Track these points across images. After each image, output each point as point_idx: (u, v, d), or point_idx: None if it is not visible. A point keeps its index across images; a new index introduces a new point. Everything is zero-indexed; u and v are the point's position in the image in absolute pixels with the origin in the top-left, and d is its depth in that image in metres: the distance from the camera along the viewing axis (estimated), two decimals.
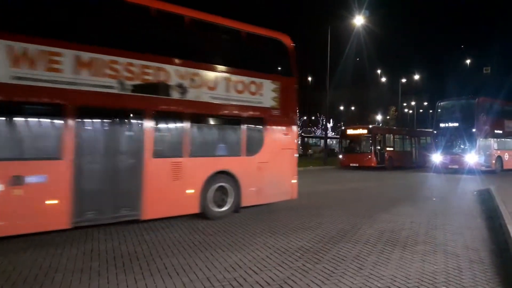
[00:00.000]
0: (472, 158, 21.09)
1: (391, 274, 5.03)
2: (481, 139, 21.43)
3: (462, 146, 22.20)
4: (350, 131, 27.20)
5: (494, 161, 22.32)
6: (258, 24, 9.70)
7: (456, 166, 21.71)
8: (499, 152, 22.88)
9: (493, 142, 22.60)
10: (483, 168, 21.21)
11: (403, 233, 7.23)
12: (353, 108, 66.61)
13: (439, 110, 24.12)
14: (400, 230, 7.43)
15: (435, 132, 24.05)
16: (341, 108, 61.96)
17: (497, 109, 23.42)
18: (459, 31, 75.17)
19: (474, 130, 21.25)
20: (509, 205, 9.00)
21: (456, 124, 22.32)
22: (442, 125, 23.26)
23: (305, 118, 61.35)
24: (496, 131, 22.73)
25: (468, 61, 53.11)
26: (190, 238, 6.86)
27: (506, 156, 23.17)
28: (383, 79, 60.28)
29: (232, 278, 4.85)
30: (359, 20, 28.06)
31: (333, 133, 54.00)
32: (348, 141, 27.11)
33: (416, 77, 57.82)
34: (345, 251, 6.03)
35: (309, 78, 66.00)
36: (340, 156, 26.96)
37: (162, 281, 4.74)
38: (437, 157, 22.57)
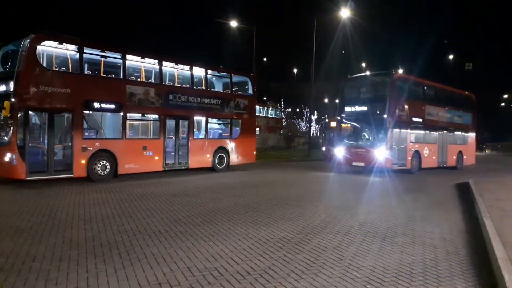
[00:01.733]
0: (380, 153, 15.90)
1: (370, 264, 5.11)
2: (394, 129, 16.41)
3: (369, 137, 17.12)
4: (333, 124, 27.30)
5: (410, 158, 17.32)
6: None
7: (361, 164, 16.66)
8: (416, 146, 17.97)
9: (409, 133, 17.46)
10: (396, 167, 16.58)
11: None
12: (337, 100, 66.89)
13: (345, 89, 18.96)
14: None
15: (338, 118, 18.38)
16: (326, 100, 62.29)
17: (417, 90, 19.13)
18: (443, 27, 75.87)
19: (385, 116, 16.02)
20: None
21: (364, 108, 17.17)
22: (348, 109, 17.97)
23: (289, 110, 61.44)
24: (414, 119, 17.89)
25: (450, 57, 53.80)
26: (172, 228, 6.84)
27: (425, 152, 18.46)
28: (368, 73, 60.52)
29: (213, 268, 4.86)
30: (345, 13, 28.11)
31: (317, 126, 54.24)
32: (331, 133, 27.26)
33: (400, 71, 58.44)
34: (325, 242, 6.09)
35: (295, 70, 65.91)
36: (323, 149, 27.11)
37: (142, 270, 4.71)
38: (339, 151, 17.48)
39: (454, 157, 20.88)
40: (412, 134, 17.70)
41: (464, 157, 21.77)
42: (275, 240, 6.14)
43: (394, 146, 16.38)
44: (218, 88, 18.35)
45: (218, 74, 18.36)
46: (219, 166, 16.39)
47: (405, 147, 17.04)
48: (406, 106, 17.27)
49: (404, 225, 7.46)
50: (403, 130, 17.13)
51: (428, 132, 18.87)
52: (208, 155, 16.19)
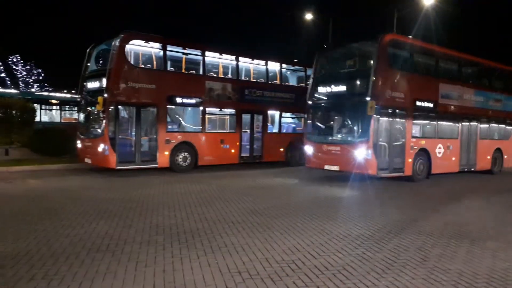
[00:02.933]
0: (360, 153, 10.89)
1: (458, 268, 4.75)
2: (383, 118, 11.35)
3: (346, 129, 12.02)
4: None
5: (410, 160, 12.02)
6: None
7: (334, 167, 11.66)
8: (423, 142, 12.55)
9: (410, 124, 12.05)
10: (385, 174, 11.48)
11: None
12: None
13: (318, 63, 13.23)
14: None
15: (309, 103, 12.94)
16: None
17: (425, 61, 13.90)
18: None
19: (367, 98, 10.84)
20: None
21: (342, 88, 12.14)
22: (321, 89, 12.70)
23: None
24: (419, 103, 12.43)
25: None
26: (249, 219, 6.98)
27: (438, 150, 13.06)
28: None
29: (291, 260, 4.86)
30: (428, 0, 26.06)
31: None
32: None
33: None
34: (407, 242, 5.80)
35: None
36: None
37: (223, 258, 4.87)
38: (309, 149, 12.62)
39: (489, 157, 15.18)
40: (415, 126, 12.29)
41: (505, 156, 16.05)
42: (352, 237, 5.97)
43: (382, 143, 11.25)
44: (292, 82, 18.26)
45: (292, 68, 18.12)
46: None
47: (402, 145, 11.80)
48: (404, 84, 11.81)
49: (494, 228, 6.82)
50: (398, 120, 11.76)
51: (443, 122, 13.44)
52: (282, 149, 16.28)
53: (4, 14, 45.91)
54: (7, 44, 39.55)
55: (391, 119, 11.63)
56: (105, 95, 11.80)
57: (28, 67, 44.41)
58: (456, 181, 13.25)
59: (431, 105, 12.96)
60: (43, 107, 23.59)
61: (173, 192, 9.51)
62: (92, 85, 13.15)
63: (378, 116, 11.05)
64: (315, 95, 12.86)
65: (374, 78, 11.06)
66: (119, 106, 12.20)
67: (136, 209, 7.59)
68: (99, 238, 5.59)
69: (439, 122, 13.31)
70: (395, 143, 11.75)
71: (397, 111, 11.76)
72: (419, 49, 13.29)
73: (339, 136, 12.13)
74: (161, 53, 13.33)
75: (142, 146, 12.65)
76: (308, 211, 7.75)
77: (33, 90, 38.90)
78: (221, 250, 5.20)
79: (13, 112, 14.46)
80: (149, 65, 13.58)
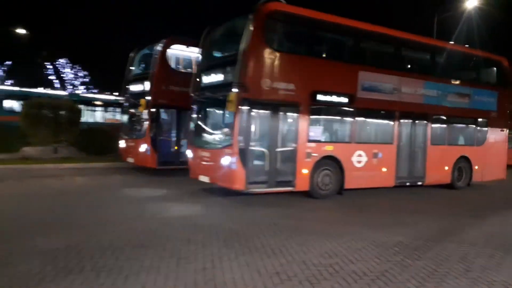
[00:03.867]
0: (225, 160, 8.40)
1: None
2: (255, 112, 8.60)
3: (216, 130, 9.72)
4: None
5: (307, 171, 9.06)
6: None
7: (206, 179, 9.24)
8: (329, 148, 9.52)
9: (305, 123, 9.11)
10: (261, 190, 8.77)
11: None
12: None
13: (204, 48, 10.39)
14: None
15: (192, 95, 10.24)
16: None
17: (329, 39, 10.61)
18: None
19: (234, 89, 8.31)
20: None
21: (218, 78, 9.45)
22: (204, 80, 9.96)
23: None
24: (321, 96, 9.39)
25: None
26: (286, 222, 7.02)
27: (357, 159, 10.00)
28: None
29: (328, 264, 4.84)
30: None
31: None
32: None
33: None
34: (448, 251, 5.63)
35: None
36: None
37: (260, 259, 4.92)
38: (189, 155, 10.07)
39: (447, 167, 11.81)
40: (314, 126, 9.33)
41: (475, 167, 12.41)
42: (391, 244, 5.85)
43: (257, 148, 8.60)
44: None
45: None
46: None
47: (292, 151, 8.94)
48: (296, 72, 9.02)
49: None
50: (287, 118, 9.15)
51: (366, 122, 10.50)
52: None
53: (54, 20, 48.37)
54: (57, 48, 41.63)
55: (273, 117, 8.75)
56: (148, 98, 12.08)
57: (74, 70, 46.50)
58: (379, 198, 9.98)
59: (343, 99, 9.71)
60: (88, 108, 24.62)
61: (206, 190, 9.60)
62: (135, 88, 13.42)
63: (249, 113, 8.29)
64: (198, 86, 10.02)
65: (243, 63, 8.29)
66: (160, 109, 12.37)
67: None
68: (142, 234, 5.81)
69: (358, 122, 9.99)
70: (281, 149, 8.80)
71: (284, 107, 8.91)
72: (323, 25, 9.62)
73: (211, 138, 9.65)
74: None
75: (181, 148, 12.61)
76: (343, 218, 7.65)
77: (79, 92, 40.70)
78: (259, 251, 5.24)
79: (62, 112, 15.20)
80: (189, 69, 13.23)
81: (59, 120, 14.80)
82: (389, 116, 10.68)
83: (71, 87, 45.13)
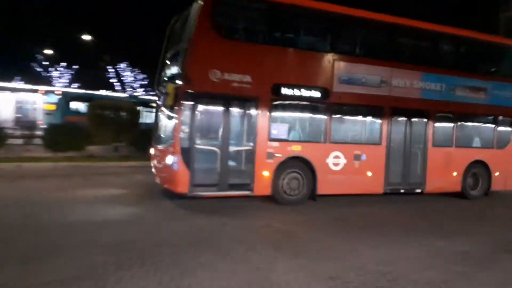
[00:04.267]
0: (169, 160, 7.67)
1: None
2: (202, 107, 7.79)
3: (167, 127, 8.64)
4: None
5: (269, 174, 8.09)
6: None
7: (158, 181, 8.66)
8: (297, 148, 8.43)
9: (266, 120, 8.10)
10: (210, 193, 7.95)
11: None
12: None
13: (165, 43, 9.50)
14: None
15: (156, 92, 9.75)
16: None
17: (298, 24, 9.05)
18: None
19: (178, 81, 7.70)
20: None
21: (174, 70, 8.51)
22: (164, 75, 9.23)
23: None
24: (285, 90, 8.34)
25: None
26: (339, 224, 6.99)
27: (334, 161, 8.75)
28: None
29: (386, 271, 4.68)
30: None
31: None
32: None
33: None
34: None
35: None
36: None
37: (314, 262, 4.87)
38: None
39: (455, 173, 10.06)
40: (276, 123, 8.33)
41: (495, 174, 10.53)
42: (453, 253, 5.61)
43: (204, 147, 7.75)
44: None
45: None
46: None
47: (250, 151, 8.03)
48: (254, 62, 8.08)
49: None
50: (242, 114, 8.25)
51: (346, 119, 9.29)
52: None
53: (117, 27, 50.94)
54: (118, 53, 43.72)
55: (225, 112, 7.89)
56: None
57: (134, 73, 48.67)
58: (372, 203, 8.87)
59: (315, 93, 8.56)
60: (146, 109, 25.60)
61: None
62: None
63: (193, 108, 7.51)
64: (159, 80, 9.31)
65: (186, 53, 7.55)
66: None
67: (231, 208, 7.82)
68: (199, 232, 5.97)
69: (334, 120, 8.80)
70: (236, 149, 8.00)
71: (239, 101, 8.06)
72: (286, 8, 8.42)
73: (161, 136, 8.87)
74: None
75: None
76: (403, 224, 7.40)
77: (138, 94, 42.53)
78: (313, 254, 5.20)
79: (122, 113, 15.93)
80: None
81: (120, 121, 15.54)
82: (375, 112, 9.35)
83: (131, 89, 47.23)
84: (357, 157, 8.95)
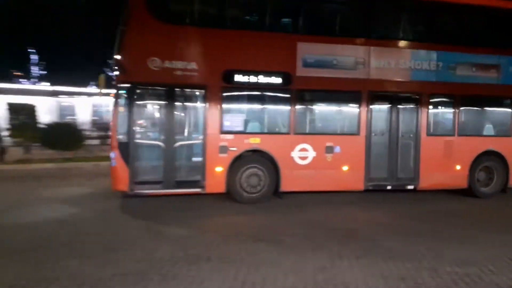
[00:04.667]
0: (113, 155, 6.99)
1: None
2: (119, 100, 6.88)
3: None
4: None
5: (223, 169, 7.21)
6: None
7: None
8: (255, 141, 7.40)
9: (216, 110, 7.20)
10: (154, 191, 7.19)
11: None
12: None
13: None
14: None
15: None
16: None
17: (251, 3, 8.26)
18: None
19: (116, 73, 7.11)
20: None
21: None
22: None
23: None
24: (239, 77, 7.36)
25: None
26: (405, 223, 6.33)
27: (300, 154, 7.60)
28: None
29: (463, 273, 4.10)
30: None
31: None
32: None
33: None
34: None
35: None
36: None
37: (383, 261, 4.40)
38: None
39: (459, 167, 8.42)
40: (229, 114, 7.46)
41: None
42: None
43: (145, 141, 7.22)
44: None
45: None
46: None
47: (200, 145, 7.26)
48: (200, 47, 7.16)
49: None
50: (188, 104, 7.53)
51: (315, 107, 8.16)
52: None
53: None
54: None
55: (169, 104, 7.19)
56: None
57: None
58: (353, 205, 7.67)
59: (275, 79, 7.52)
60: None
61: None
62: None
63: (130, 99, 6.86)
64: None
65: (121, 41, 6.88)
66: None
67: (289, 204, 7.39)
68: (261, 228, 5.79)
69: (299, 109, 7.76)
70: (183, 143, 7.31)
71: (185, 91, 7.39)
72: None
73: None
74: None
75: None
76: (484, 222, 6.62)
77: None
78: (381, 253, 4.72)
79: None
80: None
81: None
82: (351, 99, 8.09)
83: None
84: (329, 150, 7.77)
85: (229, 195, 7.33)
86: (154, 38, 6.88)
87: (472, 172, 8.44)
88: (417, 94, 8.24)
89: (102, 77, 8.43)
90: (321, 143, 7.70)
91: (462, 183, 8.42)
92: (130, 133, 6.81)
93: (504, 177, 8.63)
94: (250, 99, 7.72)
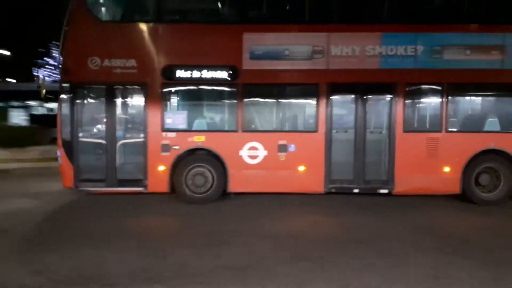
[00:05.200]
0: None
1: None
2: (62, 98, 7.02)
3: None
4: None
5: (165, 168, 7.02)
6: None
7: None
8: (200, 139, 7.09)
9: (157, 108, 7.06)
10: (98, 189, 7.30)
11: None
12: None
13: None
14: None
15: None
16: None
17: None
18: None
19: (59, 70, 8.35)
20: None
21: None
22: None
23: None
24: (181, 73, 7.07)
25: None
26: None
27: (250, 153, 7.11)
28: None
29: None
30: None
31: None
32: None
33: None
34: None
35: None
36: None
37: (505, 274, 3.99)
38: None
39: (448, 168, 7.09)
40: (171, 111, 7.39)
41: None
42: None
43: (86, 139, 7.25)
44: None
45: None
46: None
47: (140, 143, 7.17)
48: (142, 44, 7.06)
49: None
50: (128, 100, 7.70)
51: (263, 102, 7.67)
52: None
53: None
54: None
55: (109, 102, 7.17)
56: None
57: None
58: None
59: (219, 74, 7.12)
60: None
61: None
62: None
63: (73, 99, 6.99)
64: None
65: (62, 41, 7.02)
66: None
67: (391, 205, 6.94)
68: (362, 231, 5.49)
69: (247, 104, 7.25)
70: (123, 141, 7.24)
71: (125, 88, 7.39)
72: None
73: None
74: None
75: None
76: None
77: None
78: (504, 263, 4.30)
79: None
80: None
81: None
82: (307, 92, 7.43)
83: None
84: (283, 148, 7.16)
85: (174, 195, 7.10)
86: (93, 36, 6.96)
87: (466, 174, 7.05)
88: (390, 84, 7.11)
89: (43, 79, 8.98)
90: (273, 141, 7.15)
91: (454, 188, 7.09)
92: (73, 132, 6.98)
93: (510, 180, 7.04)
94: (193, 95, 7.49)
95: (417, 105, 7.54)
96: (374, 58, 7.07)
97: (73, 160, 7.01)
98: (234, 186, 7.16)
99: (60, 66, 7.17)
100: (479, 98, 7.73)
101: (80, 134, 7.12)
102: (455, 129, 7.17)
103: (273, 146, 7.13)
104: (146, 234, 5.38)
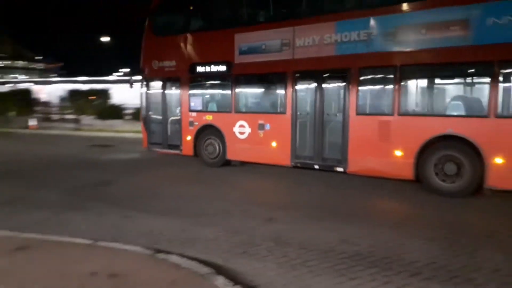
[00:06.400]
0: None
1: None
2: (142, 90, 10.62)
3: None
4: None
5: (191, 138, 9.71)
6: None
7: None
8: (209, 117, 9.40)
9: (186, 95, 9.83)
10: (158, 149, 10.49)
11: None
12: None
13: None
14: None
15: None
16: None
17: (208, 10, 9.75)
18: None
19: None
20: None
21: None
22: None
23: None
24: (201, 69, 9.46)
25: None
26: None
27: (240, 130, 8.86)
28: None
29: None
30: None
31: None
32: None
33: None
34: None
35: None
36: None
37: None
38: None
39: (400, 153, 6.80)
40: (194, 97, 9.86)
41: (492, 160, 5.95)
42: None
43: (154, 116, 10.58)
44: None
45: None
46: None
47: (179, 120, 10.13)
48: (176, 50, 9.98)
49: None
50: (173, 91, 10.31)
51: (249, 90, 9.37)
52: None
53: None
54: None
55: (163, 91, 10.31)
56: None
57: None
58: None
59: (221, 68, 9.27)
60: None
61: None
62: None
63: (147, 89, 10.48)
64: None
65: (141, 52, 10.54)
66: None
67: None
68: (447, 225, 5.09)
69: (237, 90, 9.12)
70: (172, 118, 10.32)
71: (169, 82, 10.25)
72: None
73: None
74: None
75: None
76: None
77: None
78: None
79: None
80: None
81: None
82: (277, 80, 8.53)
83: None
84: (261, 127, 8.71)
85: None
86: (153, 47, 10.20)
87: (422, 161, 6.78)
88: (344, 70, 7.55)
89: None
90: (255, 121, 8.78)
91: (406, 173, 6.96)
92: (148, 110, 10.43)
93: (476, 172, 6.32)
94: (206, 84, 9.84)
95: (371, 89, 7.59)
96: (331, 45, 7.66)
97: (147, 130, 10.54)
98: (230, 155, 9.25)
99: (140, 68, 10.64)
100: (437, 80, 7.02)
101: (150, 112, 10.53)
102: (407, 113, 6.98)
103: (255, 124, 8.76)
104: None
